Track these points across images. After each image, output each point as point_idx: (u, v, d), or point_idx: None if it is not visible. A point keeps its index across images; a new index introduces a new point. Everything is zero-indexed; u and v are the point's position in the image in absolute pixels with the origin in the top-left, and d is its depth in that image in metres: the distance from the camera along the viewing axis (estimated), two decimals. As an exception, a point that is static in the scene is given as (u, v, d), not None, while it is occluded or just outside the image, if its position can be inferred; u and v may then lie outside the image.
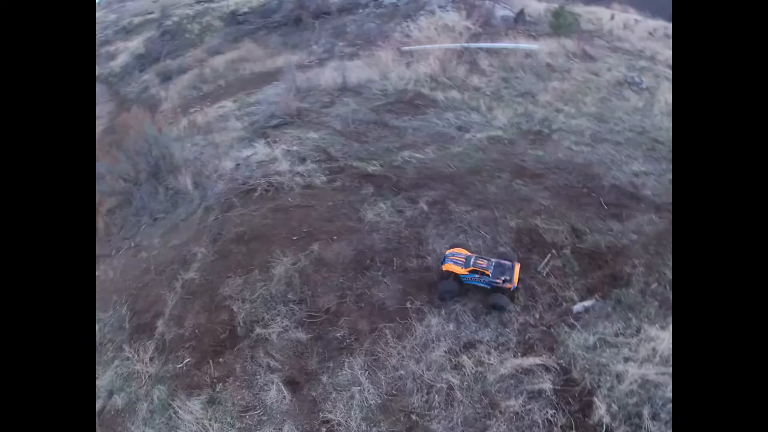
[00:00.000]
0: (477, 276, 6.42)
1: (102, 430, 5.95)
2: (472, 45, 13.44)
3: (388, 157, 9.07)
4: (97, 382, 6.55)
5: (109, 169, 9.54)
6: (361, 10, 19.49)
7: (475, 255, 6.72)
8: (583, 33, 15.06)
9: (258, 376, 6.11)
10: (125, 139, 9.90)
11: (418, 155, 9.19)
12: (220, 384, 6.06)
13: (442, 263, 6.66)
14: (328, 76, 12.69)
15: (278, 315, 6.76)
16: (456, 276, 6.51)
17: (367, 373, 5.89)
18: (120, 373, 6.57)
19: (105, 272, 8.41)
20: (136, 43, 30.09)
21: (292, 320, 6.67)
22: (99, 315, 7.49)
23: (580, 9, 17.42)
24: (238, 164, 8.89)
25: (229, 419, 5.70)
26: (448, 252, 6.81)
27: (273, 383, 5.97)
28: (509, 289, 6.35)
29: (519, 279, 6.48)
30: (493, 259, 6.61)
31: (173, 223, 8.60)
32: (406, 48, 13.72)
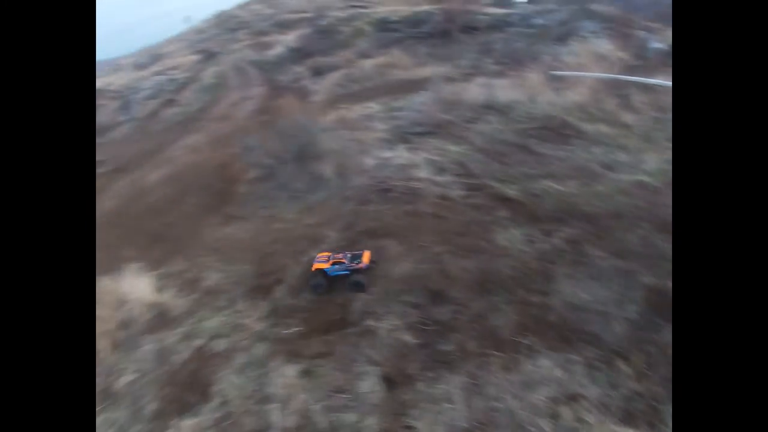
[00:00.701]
0: (337, 267, 7.41)
1: (196, 365, 6.38)
2: (626, 78, 12.49)
3: (527, 183, 8.74)
4: (204, 324, 7.05)
5: (259, 145, 10.45)
6: (509, 29, 19.20)
7: (333, 252, 7.78)
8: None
9: (357, 364, 6.15)
10: (278, 121, 10.79)
11: (558, 186, 8.71)
12: (320, 360, 6.21)
13: (311, 266, 7.69)
14: (473, 91, 12.70)
15: (391, 313, 6.79)
16: (322, 271, 7.46)
17: (463, 395, 5.64)
18: (227, 322, 7.00)
19: (236, 232, 9.23)
20: (290, 38, 32.86)
21: (404, 322, 6.65)
22: (223, 266, 8.18)
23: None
24: (380, 163, 9.18)
25: (317, 394, 5.76)
26: (316, 256, 7.83)
27: (370, 375, 5.97)
28: (362, 268, 7.37)
29: (372, 261, 7.44)
30: (348, 252, 7.67)
31: (309, 204, 9.15)
32: (556, 72, 13.20)
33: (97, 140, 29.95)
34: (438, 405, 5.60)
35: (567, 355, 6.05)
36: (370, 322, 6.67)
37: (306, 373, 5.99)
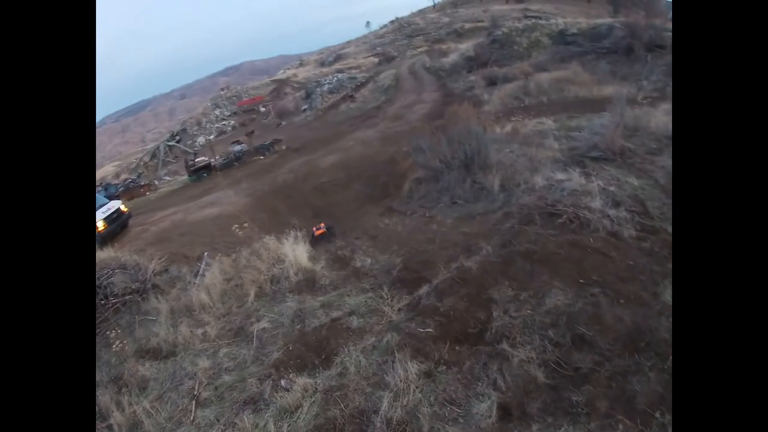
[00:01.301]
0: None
1: (328, 333, 6.69)
2: None
3: (709, 237, 7.49)
4: (346, 299, 7.38)
5: (430, 147, 10.81)
6: None
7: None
8: None
9: (480, 383, 5.87)
10: (449, 127, 11.01)
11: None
12: (444, 367, 6.07)
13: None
14: (658, 118, 11.36)
15: (529, 344, 6.40)
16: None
17: (578, 452, 5.00)
18: (368, 304, 7.24)
19: (394, 224, 9.63)
20: (466, 46, 33.38)
21: (539, 357, 6.20)
22: (375, 253, 8.55)
23: None
24: (551, 185, 8.74)
25: (431, 398, 5.65)
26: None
27: (489, 398, 5.65)
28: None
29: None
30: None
31: (469, 213, 9.15)
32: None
33: (281, 123, 34.34)
34: (548, 454, 5.09)
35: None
36: (506, 346, 6.38)
37: (427, 375, 5.93)
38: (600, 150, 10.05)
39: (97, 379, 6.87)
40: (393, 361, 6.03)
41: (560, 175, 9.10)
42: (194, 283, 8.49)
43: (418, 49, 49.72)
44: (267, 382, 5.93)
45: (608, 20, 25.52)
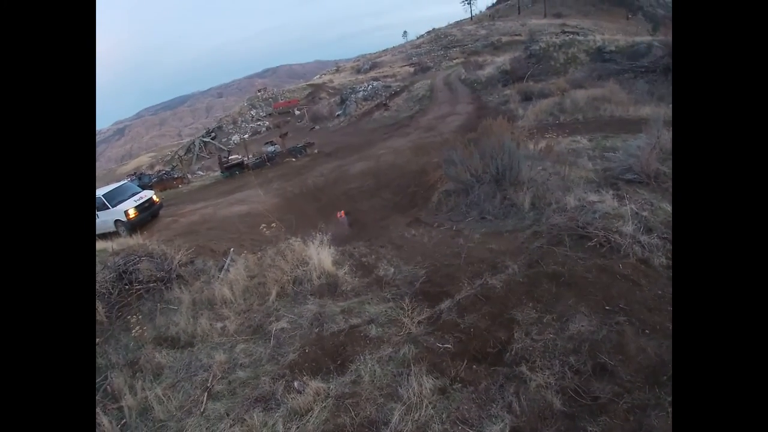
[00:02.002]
0: None
1: (345, 339, 6.64)
2: None
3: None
4: (366, 307, 7.31)
5: (462, 160, 10.72)
6: None
7: None
8: None
9: (494, 405, 5.62)
10: (482, 140, 10.89)
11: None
12: (460, 385, 5.89)
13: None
14: (696, 142, 10.85)
15: (549, 369, 6.17)
16: None
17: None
18: (388, 314, 7.15)
19: (420, 235, 9.56)
20: (502, 59, 33.15)
21: (558, 383, 5.97)
22: (399, 263, 8.49)
23: None
24: (583, 206, 8.51)
25: (444, 415, 5.50)
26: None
27: (502, 421, 5.50)
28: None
29: None
30: None
31: (497, 230, 9.01)
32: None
33: (315, 127, 34.75)
34: (557, 483, 4.89)
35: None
36: (524, 370, 6.17)
37: (442, 391, 5.77)
38: (634, 172, 9.76)
39: (114, 361, 7.05)
40: (408, 374, 5.93)
41: (593, 197, 8.86)
42: (218, 277, 8.63)
43: (454, 61, 49.73)
44: (280, 382, 5.94)
45: (647, 38, 24.92)
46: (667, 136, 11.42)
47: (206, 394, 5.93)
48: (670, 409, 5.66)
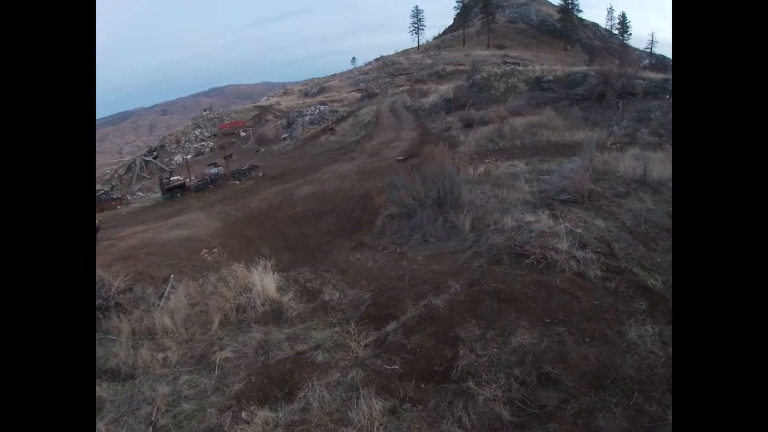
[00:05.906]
0: None
1: (292, 366, 6.54)
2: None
3: (673, 275, 7.84)
4: (312, 333, 7.26)
5: (404, 185, 11.05)
6: (668, 97, 17.79)
7: None
8: None
9: (444, 422, 5.71)
10: (425, 166, 11.30)
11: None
12: (409, 404, 5.94)
13: None
14: (627, 163, 11.96)
15: (495, 382, 6.43)
16: None
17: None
18: (334, 339, 7.13)
19: (366, 259, 9.64)
20: (446, 88, 34.60)
21: (505, 395, 6.23)
22: (344, 287, 8.49)
23: None
24: (520, 226, 9.01)
25: None
26: None
27: None
28: None
29: None
30: None
31: (439, 251, 9.30)
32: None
33: (260, 149, 34.27)
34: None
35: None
36: (471, 385, 6.37)
37: (392, 412, 5.79)
38: (569, 193, 10.47)
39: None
40: (357, 398, 5.88)
41: (529, 217, 9.41)
42: (158, 305, 8.25)
43: (400, 88, 51.25)
44: (227, 413, 5.74)
45: (583, 68, 26.97)
46: (600, 158, 12.36)
47: (151, 428, 5.63)
48: (616, 410, 5.81)
